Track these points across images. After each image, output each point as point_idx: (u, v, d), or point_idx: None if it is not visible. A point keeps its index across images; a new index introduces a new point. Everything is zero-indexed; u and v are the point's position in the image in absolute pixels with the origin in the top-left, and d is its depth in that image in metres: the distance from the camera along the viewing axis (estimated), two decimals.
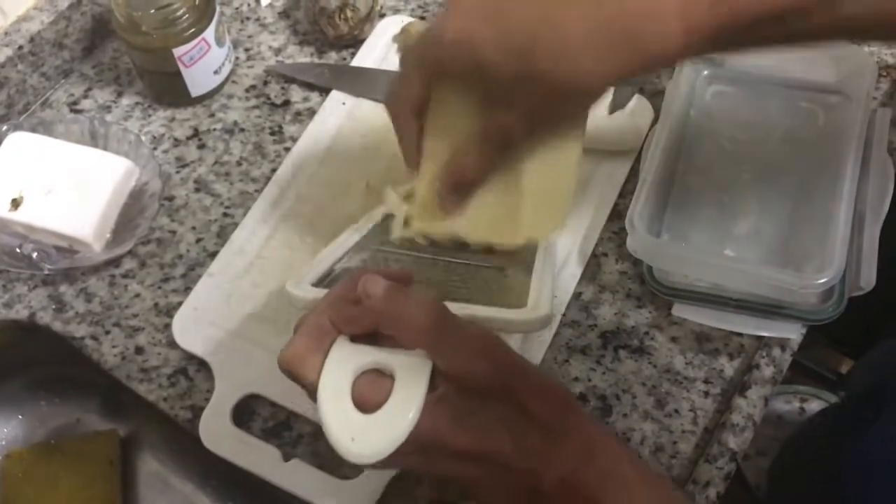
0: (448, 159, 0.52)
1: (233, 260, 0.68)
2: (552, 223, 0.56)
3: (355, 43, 0.80)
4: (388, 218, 0.62)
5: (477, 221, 0.55)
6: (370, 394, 0.41)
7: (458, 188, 0.53)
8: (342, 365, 0.42)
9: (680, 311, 0.64)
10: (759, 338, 0.63)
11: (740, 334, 0.64)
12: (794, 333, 0.62)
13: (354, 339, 0.44)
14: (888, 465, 0.61)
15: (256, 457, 0.60)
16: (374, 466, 0.41)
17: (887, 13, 0.46)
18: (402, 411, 0.40)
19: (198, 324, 0.65)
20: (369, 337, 0.44)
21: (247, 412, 0.62)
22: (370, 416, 0.40)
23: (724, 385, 0.62)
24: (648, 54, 0.45)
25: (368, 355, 0.43)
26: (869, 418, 0.64)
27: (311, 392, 0.42)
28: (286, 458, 0.59)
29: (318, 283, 0.54)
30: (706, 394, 0.62)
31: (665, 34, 0.44)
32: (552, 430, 0.42)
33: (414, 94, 0.52)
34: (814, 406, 1.34)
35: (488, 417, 0.41)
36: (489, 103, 0.50)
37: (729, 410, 0.60)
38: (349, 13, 0.76)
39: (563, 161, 0.54)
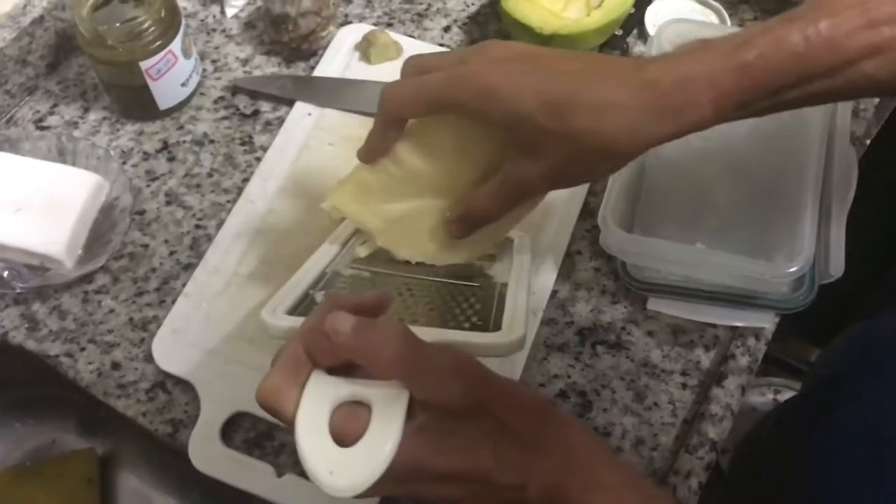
0: (466, 194, 0.54)
1: (209, 279, 0.67)
2: (478, 250, 0.59)
3: (318, 51, 0.80)
4: (358, 233, 0.62)
5: (390, 227, 0.57)
6: (348, 426, 0.41)
7: (468, 222, 0.55)
8: (319, 398, 0.42)
9: (655, 304, 0.65)
10: (734, 328, 0.64)
11: (715, 325, 0.65)
12: (767, 322, 0.63)
13: (331, 370, 0.44)
14: (850, 455, 0.62)
15: (249, 475, 0.59)
16: (356, 496, 0.41)
17: None
18: (380, 443, 0.40)
19: (178, 346, 0.64)
20: (346, 367, 0.44)
21: (236, 431, 0.62)
22: (348, 449, 0.40)
23: (701, 376, 0.63)
24: (682, 123, 0.47)
25: (345, 387, 0.43)
26: (829, 407, 0.65)
27: (290, 426, 0.42)
28: (279, 473, 0.59)
29: (294, 309, 0.53)
30: (684, 386, 0.63)
31: (697, 105, 0.46)
32: (532, 442, 0.42)
33: (411, 112, 0.53)
34: (788, 397, 1.35)
35: (467, 436, 0.41)
36: (515, 151, 0.51)
37: (707, 401, 0.61)
38: (299, 22, 0.76)
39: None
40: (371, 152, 0.55)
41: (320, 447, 0.40)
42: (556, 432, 0.43)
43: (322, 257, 0.59)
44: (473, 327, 0.51)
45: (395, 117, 0.53)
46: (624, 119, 0.47)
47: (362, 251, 0.60)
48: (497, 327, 0.50)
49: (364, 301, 0.46)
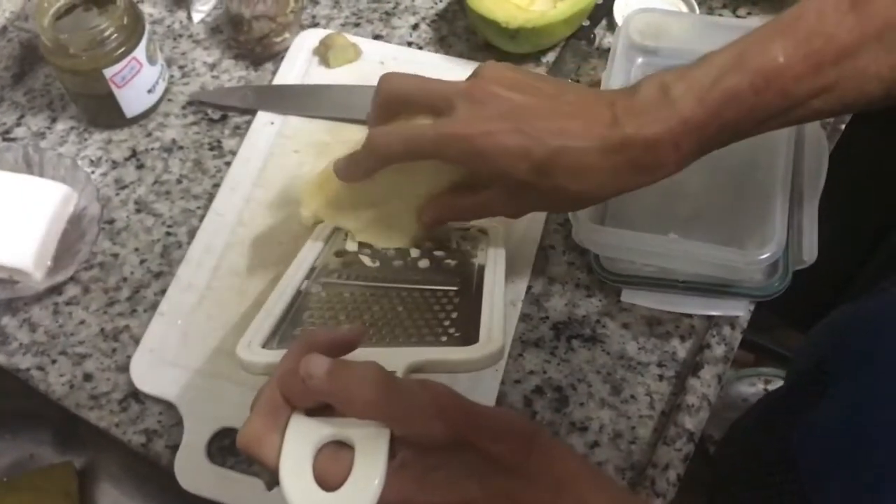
0: (441, 203, 0.58)
1: (182, 296, 0.66)
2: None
3: (272, 56, 0.80)
4: (333, 241, 0.61)
5: (367, 226, 0.60)
6: (332, 469, 0.41)
7: (440, 223, 0.60)
8: (300, 442, 0.41)
9: (629, 297, 0.64)
10: (709, 317, 0.64)
11: (690, 315, 0.64)
12: (742, 311, 0.63)
13: (311, 410, 0.43)
14: (838, 443, 0.62)
15: (238, 490, 0.58)
16: None
17: (865, 97, 0.51)
18: (365, 484, 0.39)
19: (157, 366, 0.63)
20: (326, 406, 0.43)
21: (221, 447, 0.61)
22: (334, 493, 0.40)
23: (677, 367, 0.63)
24: (649, 178, 0.53)
25: (326, 429, 0.42)
26: (813, 394, 0.65)
27: (274, 472, 0.41)
28: (269, 487, 0.58)
29: (270, 340, 0.52)
30: (661, 377, 0.62)
31: (663, 164, 0.52)
32: (518, 469, 0.41)
33: (402, 159, 0.56)
34: (777, 387, 1.35)
35: (452, 470, 0.41)
36: (495, 186, 0.56)
37: (684, 392, 0.61)
38: (253, 24, 0.76)
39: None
40: (351, 176, 0.58)
41: (306, 493, 0.40)
42: (541, 458, 0.43)
43: (291, 280, 0.57)
44: (451, 340, 0.50)
45: (383, 161, 0.56)
46: (599, 178, 0.52)
47: (350, 245, 0.60)
48: (475, 335, 0.49)
49: (339, 337, 0.45)
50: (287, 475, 0.40)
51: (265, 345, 0.51)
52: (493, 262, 0.58)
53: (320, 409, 0.43)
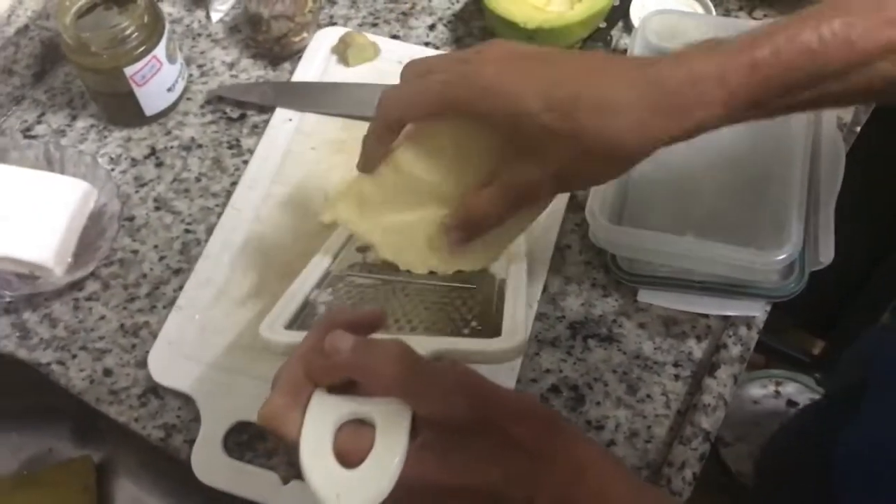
0: (467, 198, 0.52)
1: (201, 291, 0.67)
2: (481, 260, 0.57)
3: (290, 55, 0.80)
4: (351, 241, 0.61)
5: (390, 238, 0.56)
6: (352, 446, 0.41)
7: (469, 228, 0.53)
8: (321, 419, 0.42)
9: (645, 296, 0.65)
10: (725, 318, 0.64)
11: (706, 316, 0.65)
12: (758, 311, 0.63)
13: (332, 388, 0.43)
14: (873, 457, 0.62)
15: (254, 484, 0.59)
16: None
17: None
18: (386, 463, 0.40)
19: (174, 359, 0.64)
20: (348, 385, 0.43)
21: (238, 441, 0.61)
22: (354, 470, 0.40)
23: (693, 367, 0.63)
24: (691, 122, 0.46)
25: (347, 406, 0.42)
26: (853, 411, 0.65)
27: (294, 449, 0.41)
28: (285, 481, 0.59)
29: (292, 323, 0.52)
30: (677, 377, 0.63)
31: (707, 103, 0.45)
32: (539, 453, 0.41)
33: (413, 114, 0.52)
34: (789, 389, 1.35)
35: (473, 451, 0.41)
36: (518, 154, 0.49)
37: (700, 391, 0.61)
38: (272, 24, 0.76)
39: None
40: (369, 160, 0.54)
41: (326, 470, 0.40)
42: (563, 444, 0.42)
43: (316, 267, 0.59)
44: (473, 332, 0.50)
45: (394, 121, 0.52)
46: (630, 118, 0.45)
47: (368, 257, 0.60)
48: (497, 331, 0.49)
49: (361, 317, 0.46)
50: (307, 452, 0.40)
51: (287, 327, 0.51)
52: (515, 267, 0.58)
53: (342, 389, 0.43)
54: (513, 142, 0.49)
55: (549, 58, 0.49)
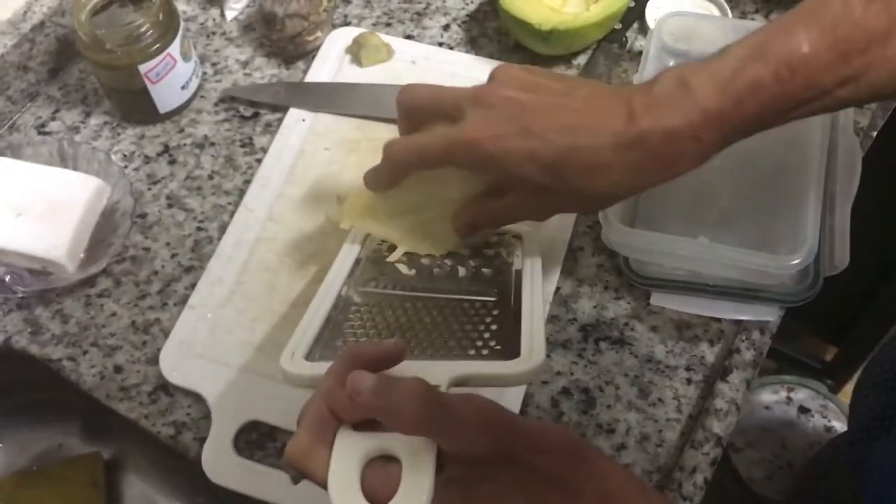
0: (471, 210, 0.58)
1: (212, 290, 0.67)
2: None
3: (303, 54, 0.80)
4: (367, 246, 0.61)
5: (407, 235, 0.60)
6: (380, 483, 0.41)
7: (473, 230, 0.59)
8: (348, 456, 0.42)
9: (658, 300, 0.64)
10: (738, 322, 0.64)
11: (719, 320, 0.64)
12: (772, 316, 0.63)
13: (357, 425, 0.43)
14: None
15: (264, 483, 0.59)
16: None
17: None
18: (414, 500, 0.40)
19: (186, 358, 0.64)
20: (373, 420, 0.43)
21: (248, 440, 0.61)
22: None
23: (705, 371, 0.63)
24: (669, 174, 0.51)
25: (372, 442, 0.42)
26: (882, 433, 0.65)
27: (322, 486, 0.42)
28: (295, 481, 0.58)
29: (312, 350, 0.52)
30: (689, 381, 0.62)
31: (683, 157, 0.50)
32: (564, 483, 0.41)
33: (415, 168, 0.57)
34: (801, 395, 1.34)
35: (499, 484, 0.41)
36: (519, 195, 0.55)
37: (712, 396, 0.60)
38: (286, 22, 0.76)
39: None
40: (376, 188, 0.59)
41: None
42: (588, 472, 0.42)
43: (330, 287, 0.57)
44: (492, 353, 0.50)
45: (400, 170, 0.57)
46: (615, 176, 0.50)
47: (393, 256, 0.60)
48: (515, 348, 0.49)
49: (382, 353, 0.45)
50: (335, 489, 0.41)
51: (308, 356, 0.51)
52: (529, 271, 0.58)
53: (368, 423, 0.43)
54: (519, 187, 0.55)
55: (540, 111, 0.51)
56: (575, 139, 0.50)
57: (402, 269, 0.59)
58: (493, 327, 0.52)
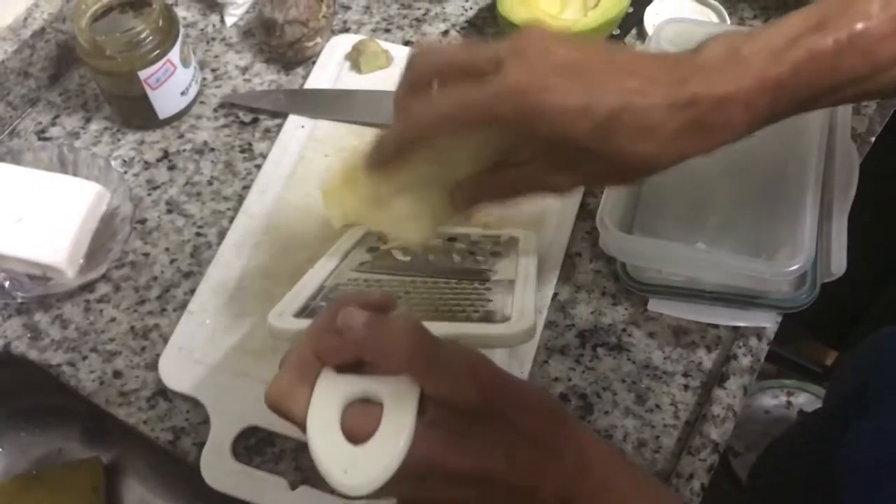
0: (479, 185, 0.52)
1: (211, 296, 0.67)
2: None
3: (303, 60, 0.80)
4: (365, 238, 0.62)
5: (397, 224, 0.55)
6: (360, 424, 0.40)
7: (479, 206, 0.54)
8: (329, 397, 0.41)
9: (655, 306, 0.64)
10: (736, 328, 0.64)
11: (717, 326, 0.64)
12: (769, 322, 0.63)
13: (340, 369, 0.43)
14: (878, 461, 0.61)
15: (262, 489, 0.59)
16: (369, 497, 0.40)
17: None
18: (393, 439, 0.39)
19: (185, 363, 0.64)
20: (356, 365, 0.43)
21: (247, 446, 0.61)
22: (361, 446, 0.40)
23: (703, 377, 0.63)
24: (716, 141, 0.48)
25: (355, 385, 0.42)
26: (857, 415, 0.65)
27: (301, 427, 0.41)
28: (293, 486, 0.59)
29: (301, 313, 0.52)
30: (686, 387, 0.62)
31: (732, 125, 0.47)
32: (546, 444, 0.42)
33: (450, 127, 0.49)
34: (801, 399, 1.34)
35: (481, 437, 0.41)
36: (548, 162, 0.50)
37: (709, 402, 0.61)
38: (285, 29, 0.77)
39: None
40: (383, 161, 0.52)
41: (333, 446, 0.40)
42: (569, 435, 0.43)
43: (327, 263, 0.59)
44: (482, 317, 0.51)
45: (427, 130, 0.49)
46: (663, 140, 0.47)
47: (397, 254, 0.60)
48: (505, 320, 0.50)
49: (372, 300, 0.45)
50: (314, 428, 0.40)
51: (296, 315, 0.51)
52: (524, 264, 0.58)
53: (350, 370, 0.43)
54: (547, 153, 0.50)
55: (589, 66, 0.48)
56: (629, 98, 0.46)
57: (398, 255, 0.60)
58: (482, 304, 0.53)
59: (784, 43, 0.46)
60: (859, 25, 0.46)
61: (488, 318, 0.51)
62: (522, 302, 0.51)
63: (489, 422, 0.41)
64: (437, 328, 0.45)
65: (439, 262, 0.59)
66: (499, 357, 0.61)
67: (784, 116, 0.49)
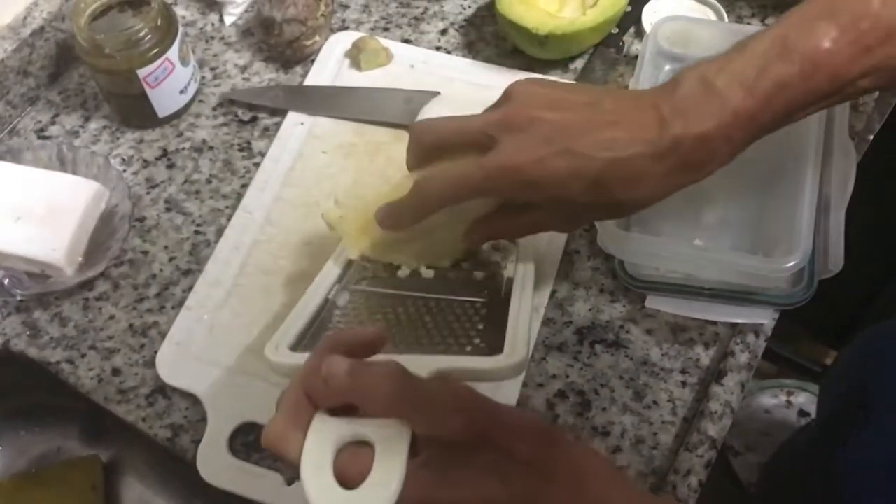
0: (490, 227, 0.58)
1: (210, 292, 0.67)
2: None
3: (302, 59, 0.80)
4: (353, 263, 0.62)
5: (415, 256, 0.59)
6: (352, 467, 0.41)
7: (483, 241, 0.60)
8: (322, 440, 0.42)
9: (653, 303, 0.64)
10: (733, 325, 0.64)
11: (714, 323, 0.64)
12: (766, 319, 0.63)
13: (335, 410, 0.44)
14: (883, 466, 0.61)
15: (258, 484, 0.59)
16: None
17: None
18: (385, 483, 0.40)
19: (182, 359, 0.64)
20: (349, 407, 0.44)
21: (244, 442, 0.61)
22: (354, 491, 0.40)
23: (700, 374, 0.63)
24: (703, 173, 0.52)
25: (347, 428, 0.42)
26: (858, 421, 0.65)
27: (296, 469, 0.42)
28: (289, 482, 0.59)
29: (297, 343, 0.53)
30: (683, 384, 0.62)
31: (716, 158, 0.51)
32: (540, 466, 0.41)
33: (452, 202, 0.55)
34: (801, 399, 1.34)
35: (474, 468, 0.41)
36: (550, 215, 0.56)
37: (707, 399, 0.61)
38: (284, 27, 0.77)
39: None
40: (399, 227, 0.57)
41: (326, 491, 0.40)
42: (564, 457, 0.43)
43: (320, 286, 0.58)
44: (475, 350, 0.51)
45: (434, 206, 0.55)
46: (654, 183, 0.51)
47: (373, 270, 0.60)
48: (501, 347, 0.49)
49: (362, 339, 0.46)
50: (307, 472, 0.41)
51: (293, 348, 0.52)
52: (521, 275, 0.58)
53: (344, 411, 0.43)
54: (550, 206, 0.55)
55: (574, 129, 0.51)
56: (615, 152, 0.50)
57: (399, 272, 0.59)
58: (480, 326, 0.53)
59: (754, 73, 0.49)
60: (822, 51, 0.49)
61: (483, 343, 0.51)
62: (515, 334, 0.51)
63: (482, 452, 0.41)
64: (427, 362, 0.46)
65: (435, 280, 0.59)
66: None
67: (765, 135, 0.52)
